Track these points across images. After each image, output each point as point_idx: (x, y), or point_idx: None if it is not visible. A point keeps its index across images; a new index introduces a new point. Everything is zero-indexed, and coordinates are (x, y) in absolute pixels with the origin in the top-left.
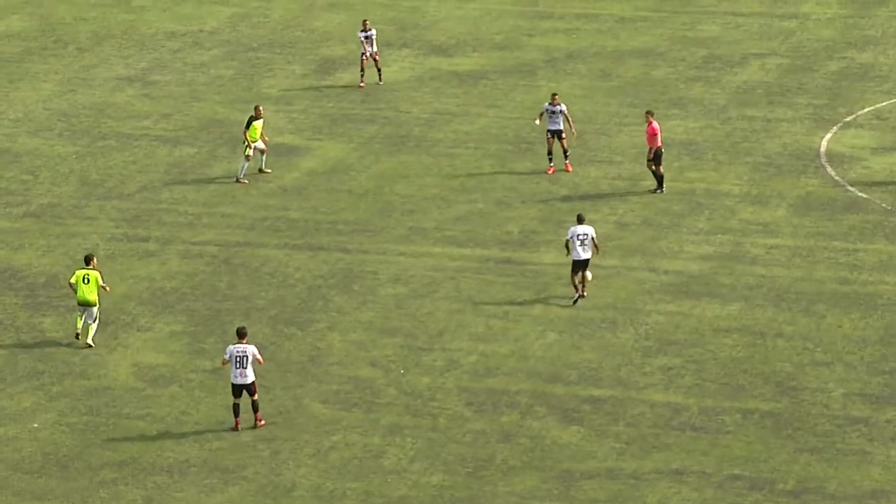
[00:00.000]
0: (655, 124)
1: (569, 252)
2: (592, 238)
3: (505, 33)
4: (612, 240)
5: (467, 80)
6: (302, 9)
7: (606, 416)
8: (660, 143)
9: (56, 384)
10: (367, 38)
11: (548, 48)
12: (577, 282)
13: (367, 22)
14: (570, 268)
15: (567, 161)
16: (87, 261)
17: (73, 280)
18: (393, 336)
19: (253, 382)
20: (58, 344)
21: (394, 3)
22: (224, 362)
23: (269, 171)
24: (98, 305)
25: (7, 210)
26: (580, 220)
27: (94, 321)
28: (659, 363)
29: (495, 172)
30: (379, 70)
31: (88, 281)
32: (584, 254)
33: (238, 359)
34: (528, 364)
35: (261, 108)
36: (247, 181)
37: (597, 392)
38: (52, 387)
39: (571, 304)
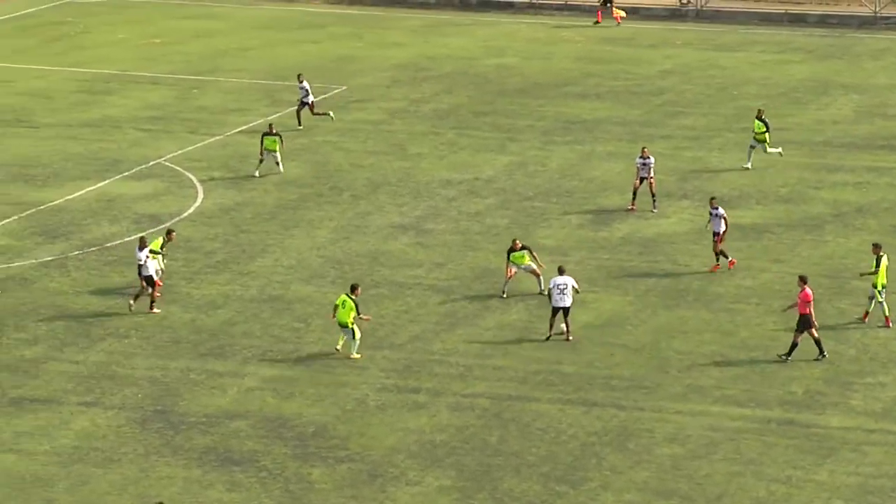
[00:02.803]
0: (808, 290)
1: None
2: (573, 287)
3: (790, 186)
4: None
5: (750, 234)
6: (580, 157)
7: None
8: (808, 310)
9: None
10: (643, 165)
11: (836, 201)
12: (553, 323)
13: (646, 149)
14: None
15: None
16: (353, 289)
17: (337, 301)
18: (669, 498)
19: None
20: (325, 498)
21: (675, 153)
22: None
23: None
24: (351, 327)
25: (279, 358)
26: (561, 272)
27: (353, 339)
28: None
29: (778, 330)
30: (654, 196)
31: (346, 306)
32: (563, 302)
33: None
34: None
35: None
36: None
37: None
38: None
39: (544, 339)
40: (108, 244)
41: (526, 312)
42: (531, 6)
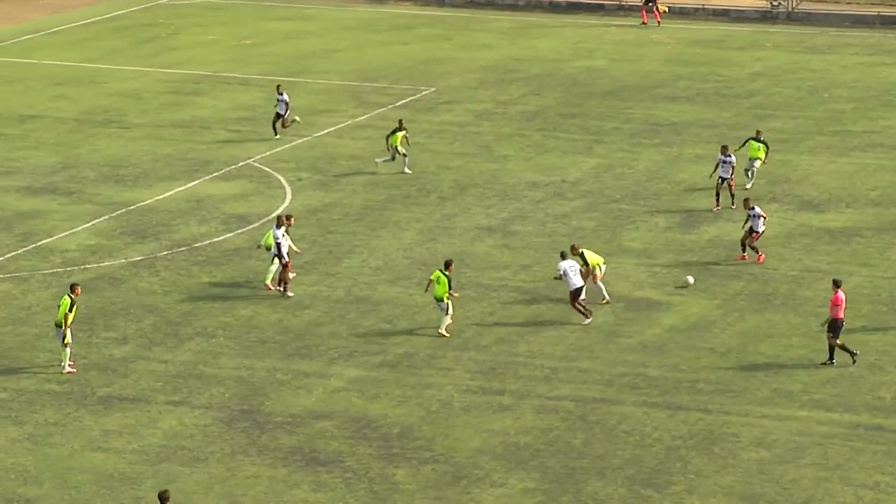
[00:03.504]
0: (841, 294)
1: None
2: (579, 268)
3: (881, 189)
4: None
5: (839, 238)
6: (667, 160)
7: None
8: (840, 315)
9: None
10: (725, 163)
11: None
12: (581, 307)
13: (729, 148)
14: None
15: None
16: (447, 265)
17: (433, 277)
18: (754, 503)
19: None
20: (410, 499)
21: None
22: None
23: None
24: (446, 302)
25: (364, 359)
26: (563, 256)
27: (445, 313)
28: None
29: (866, 332)
30: (732, 196)
31: (441, 282)
32: (579, 282)
33: None
34: None
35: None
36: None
37: None
38: None
39: (585, 326)
40: (197, 244)
41: (612, 315)
42: (621, 8)
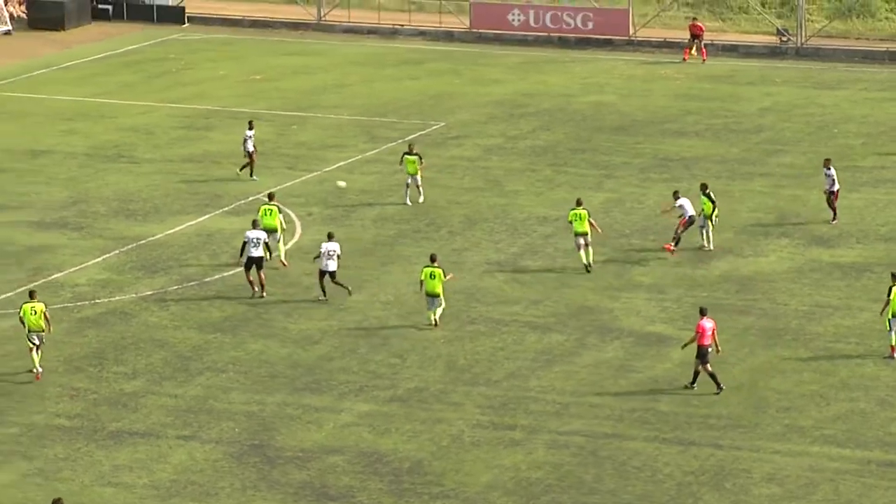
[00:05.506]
0: (705, 322)
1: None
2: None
3: (891, 224)
4: None
5: (850, 273)
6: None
7: None
8: (704, 342)
9: None
10: (827, 176)
11: None
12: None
13: (830, 160)
14: None
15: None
16: (433, 259)
17: (421, 277)
18: None
19: None
20: None
21: (774, 191)
22: None
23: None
24: (441, 297)
25: (375, 394)
26: (330, 237)
27: (439, 307)
28: None
29: (877, 367)
30: (834, 209)
31: (435, 276)
32: (332, 266)
33: None
34: None
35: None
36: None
37: None
38: None
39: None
40: (207, 279)
41: (623, 350)
42: (629, 43)
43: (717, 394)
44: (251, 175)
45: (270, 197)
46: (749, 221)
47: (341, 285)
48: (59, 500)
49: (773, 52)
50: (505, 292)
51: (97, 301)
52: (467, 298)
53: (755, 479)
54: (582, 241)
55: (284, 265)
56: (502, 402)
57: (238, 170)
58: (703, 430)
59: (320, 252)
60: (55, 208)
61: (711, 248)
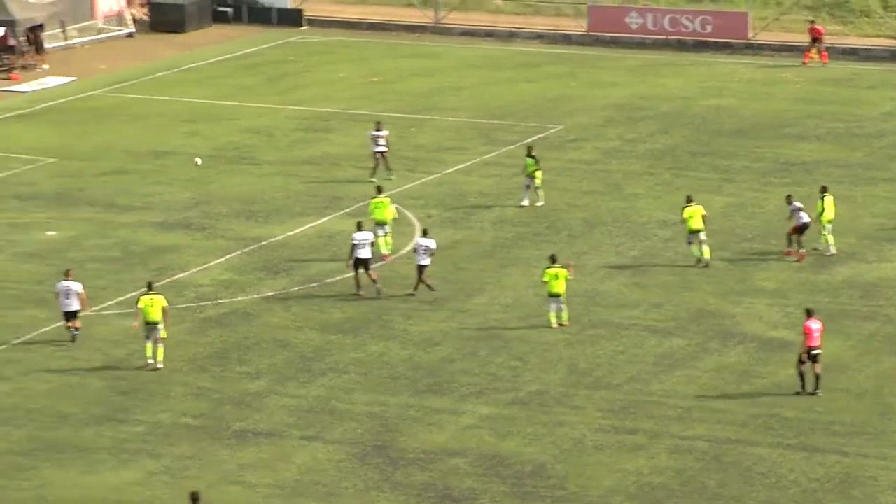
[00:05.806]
0: (811, 323)
1: None
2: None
3: None
4: None
5: None
6: (799, 199)
7: None
8: (811, 343)
9: None
10: None
11: None
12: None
13: None
14: None
15: None
16: (554, 260)
17: (545, 278)
18: None
19: None
20: None
21: (894, 195)
22: None
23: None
24: (564, 297)
25: (496, 396)
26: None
27: (564, 309)
28: None
29: None
30: None
31: (559, 276)
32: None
33: None
34: None
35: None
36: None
37: None
38: None
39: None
40: (329, 280)
41: (745, 356)
42: (748, 47)
43: (798, 394)
44: (372, 176)
45: (379, 190)
46: (873, 227)
47: (426, 284)
48: (196, 493)
49: (893, 56)
50: (625, 296)
51: (220, 301)
52: (587, 302)
53: (882, 487)
54: (699, 237)
55: (384, 258)
56: (623, 406)
57: (370, 176)
58: (828, 437)
59: (415, 246)
60: (178, 209)
61: (832, 252)
